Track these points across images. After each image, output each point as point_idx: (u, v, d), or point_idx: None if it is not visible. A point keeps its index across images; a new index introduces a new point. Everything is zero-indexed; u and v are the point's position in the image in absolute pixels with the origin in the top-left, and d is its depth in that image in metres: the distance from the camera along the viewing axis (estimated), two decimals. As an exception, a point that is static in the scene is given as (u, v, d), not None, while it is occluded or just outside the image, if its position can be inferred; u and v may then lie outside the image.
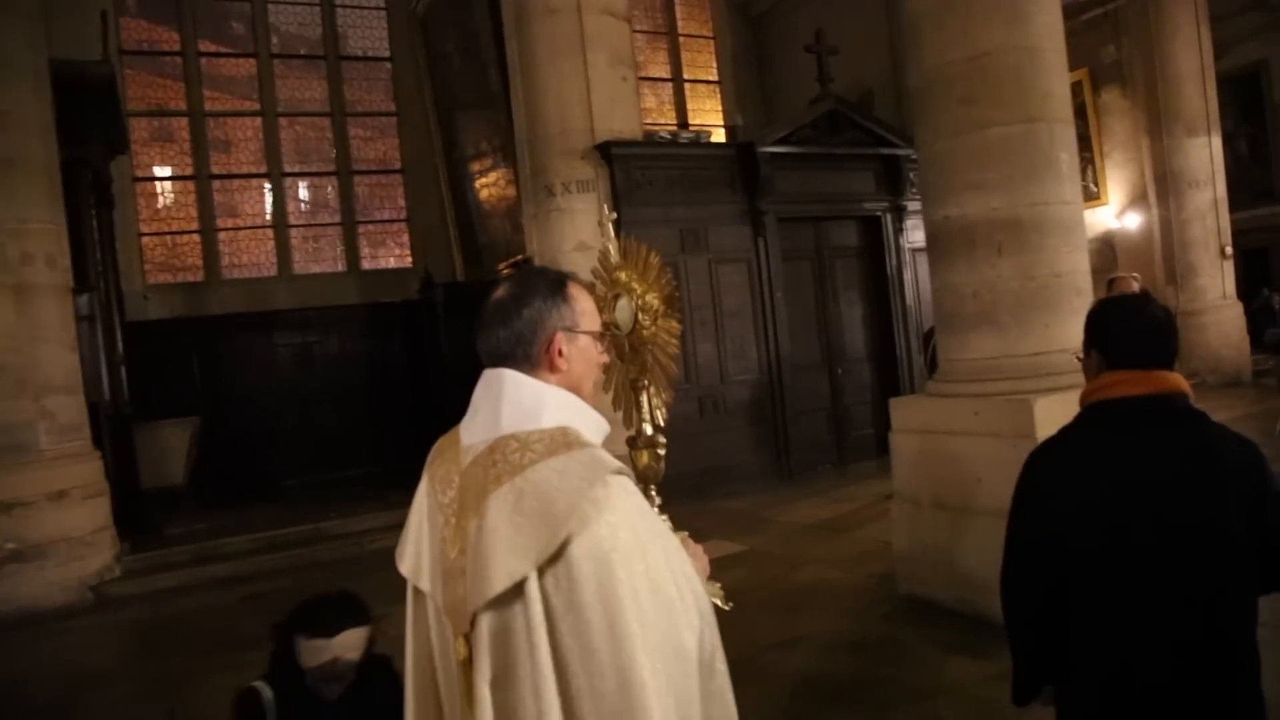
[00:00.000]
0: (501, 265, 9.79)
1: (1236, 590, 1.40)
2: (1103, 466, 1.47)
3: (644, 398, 1.55)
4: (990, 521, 3.72)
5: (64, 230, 6.18)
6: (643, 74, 12.50)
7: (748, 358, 7.72)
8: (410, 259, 11.69)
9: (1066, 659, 1.52)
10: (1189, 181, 10.30)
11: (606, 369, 1.40)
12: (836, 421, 8.36)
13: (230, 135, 11.18)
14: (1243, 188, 11.17)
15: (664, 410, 1.57)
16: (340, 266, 11.49)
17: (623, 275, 1.54)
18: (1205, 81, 10.24)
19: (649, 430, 1.55)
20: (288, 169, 11.34)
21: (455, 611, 1.13)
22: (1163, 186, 10.50)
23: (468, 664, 1.11)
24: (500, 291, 1.25)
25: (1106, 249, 11.14)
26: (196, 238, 10.72)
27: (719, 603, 1.33)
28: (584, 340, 1.25)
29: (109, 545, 6.09)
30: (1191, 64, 10.20)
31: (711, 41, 13.74)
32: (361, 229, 11.69)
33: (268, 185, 11.20)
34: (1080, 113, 11.15)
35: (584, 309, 1.27)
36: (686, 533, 1.42)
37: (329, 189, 11.67)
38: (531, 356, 1.20)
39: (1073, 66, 10.73)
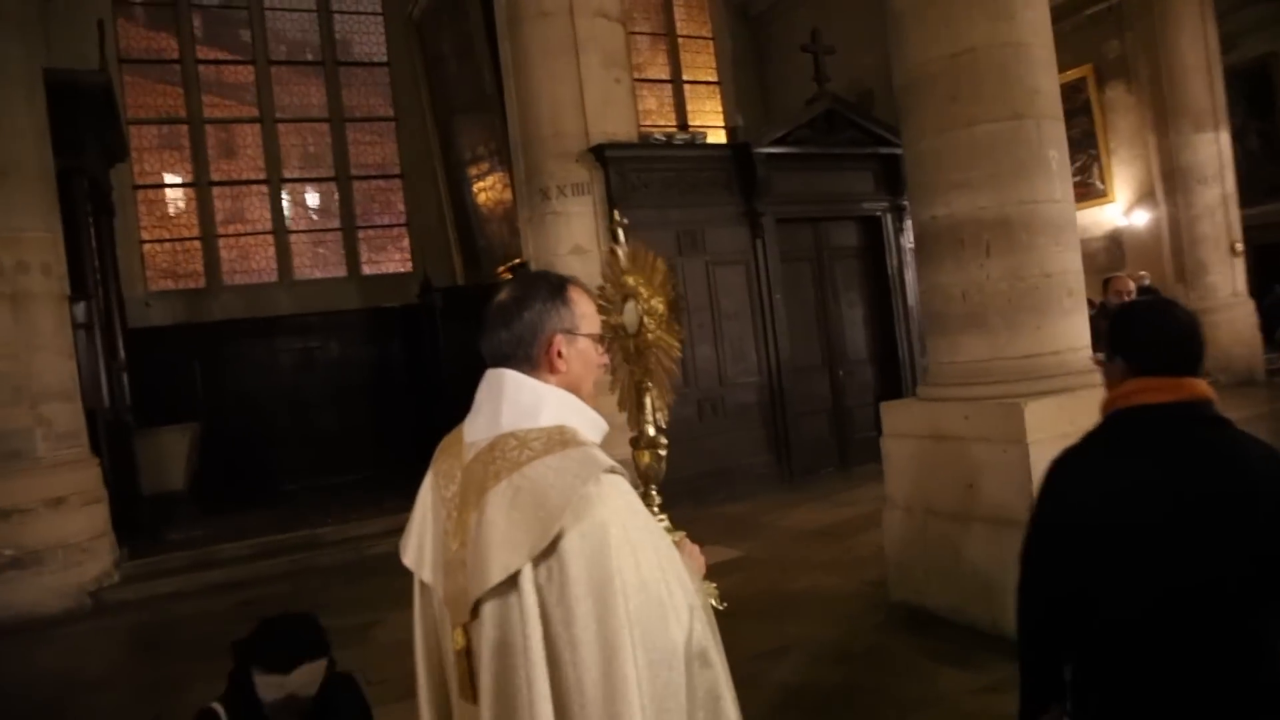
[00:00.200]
0: (500, 269, 9.78)
1: (1269, 601, 1.37)
2: (1129, 475, 1.44)
3: (647, 400, 1.62)
4: (983, 528, 3.65)
5: (60, 238, 6.21)
6: (642, 76, 12.46)
7: (747, 360, 7.65)
8: (410, 263, 11.70)
9: (1075, 679, 1.49)
10: (1197, 177, 10.12)
11: (614, 371, 1.45)
12: (839, 424, 8.28)
13: (234, 141, 11.23)
14: (1254, 183, 10.97)
15: (665, 412, 1.63)
16: (341, 271, 11.51)
17: (630, 279, 1.60)
18: (1212, 76, 10.05)
19: (651, 431, 1.61)
20: (288, 175, 11.37)
21: (455, 602, 1.17)
22: (1171, 183, 10.32)
23: (465, 653, 1.16)
24: (503, 294, 1.29)
25: (1115, 247, 10.99)
26: (198, 244, 10.77)
27: (714, 602, 1.36)
28: (583, 342, 1.28)
29: (108, 551, 6.12)
30: (1197, 58, 10.03)
31: (711, 42, 13.65)
32: (362, 234, 11.71)
33: (268, 190, 11.23)
34: (1085, 109, 11.00)
35: (584, 312, 1.30)
36: (684, 533, 1.46)
37: (332, 194, 11.70)
38: (532, 357, 1.24)
39: (1076, 63, 10.71)
